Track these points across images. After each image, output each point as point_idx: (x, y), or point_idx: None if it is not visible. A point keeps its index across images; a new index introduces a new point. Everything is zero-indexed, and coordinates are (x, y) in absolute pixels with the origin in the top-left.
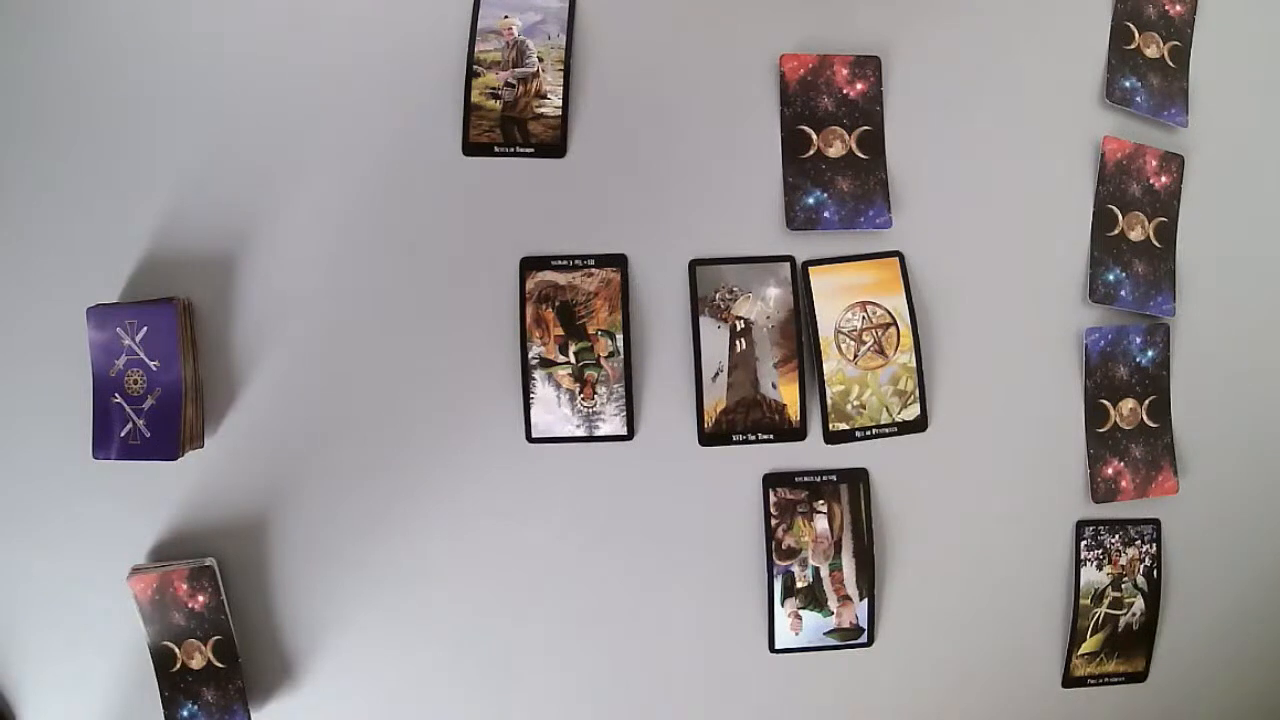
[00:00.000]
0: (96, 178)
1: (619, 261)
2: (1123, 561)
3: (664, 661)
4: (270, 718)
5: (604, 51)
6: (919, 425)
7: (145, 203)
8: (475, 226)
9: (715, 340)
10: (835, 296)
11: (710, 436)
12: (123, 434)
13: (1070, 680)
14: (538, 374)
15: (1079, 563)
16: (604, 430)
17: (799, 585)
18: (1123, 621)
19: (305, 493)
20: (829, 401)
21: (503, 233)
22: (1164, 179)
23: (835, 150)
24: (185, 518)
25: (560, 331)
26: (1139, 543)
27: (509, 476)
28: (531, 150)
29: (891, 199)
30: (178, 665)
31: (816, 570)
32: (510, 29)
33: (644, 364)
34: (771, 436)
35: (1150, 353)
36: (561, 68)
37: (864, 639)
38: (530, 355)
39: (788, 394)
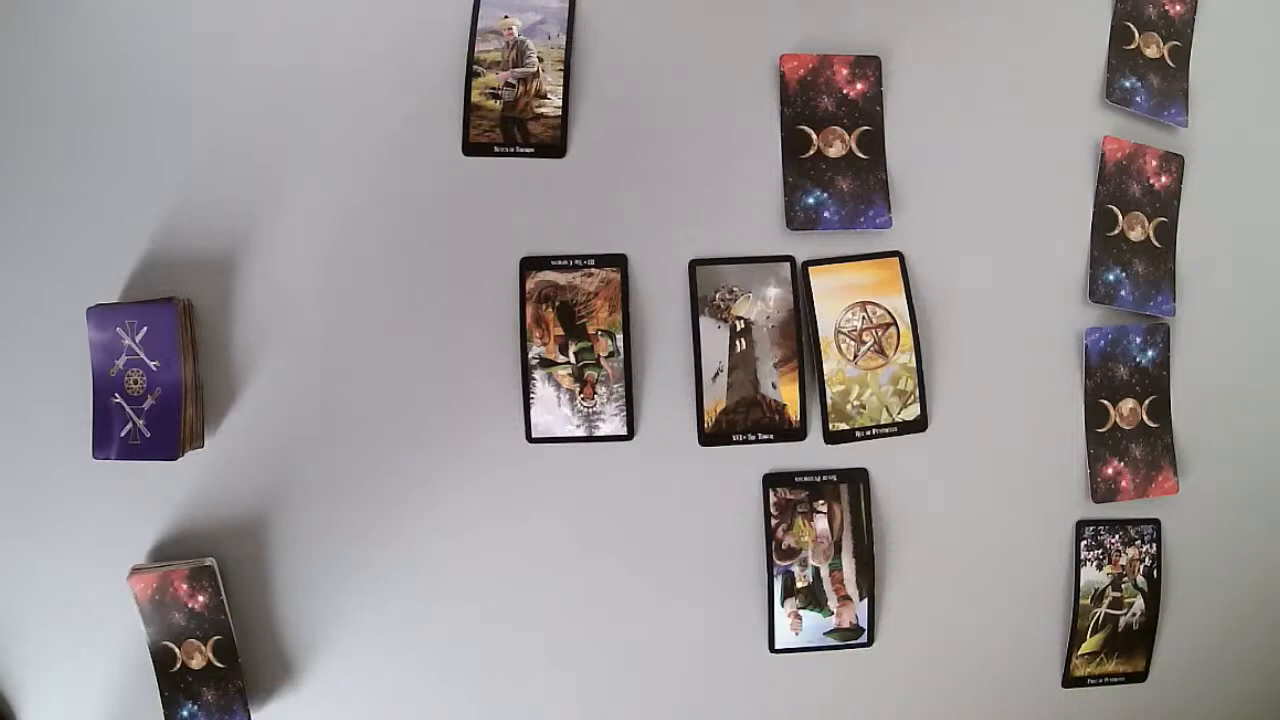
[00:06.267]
0: (96, 178)
1: (619, 261)
2: (1123, 561)
3: (664, 661)
4: (270, 718)
5: (604, 51)
6: (919, 425)
7: (145, 203)
8: (475, 226)
9: (715, 340)
10: (835, 296)
11: (710, 436)
12: (123, 434)
13: (1070, 680)
14: (538, 374)
15: (1079, 563)
16: (604, 430)
17: (799, 585)
18: (1123, 621)
19: (305, 493)
20: (829, 401)
21: (503, 233)
22: (1164, 179)
23: (835, 150)
24: (185, 518)
25: (560, 331)
26: (1139, 543)
27: (509, 476)
28: (531, 150)
29: (891, 199)
30: (178, 665)
31: (816, 570)
32: (510, 29)
33: (644, 364)
34: (771, 436)
35: (1150, 353)
36: (561, 68)
37: (864, 639)
38: (530, 355)
39: (788, 394)
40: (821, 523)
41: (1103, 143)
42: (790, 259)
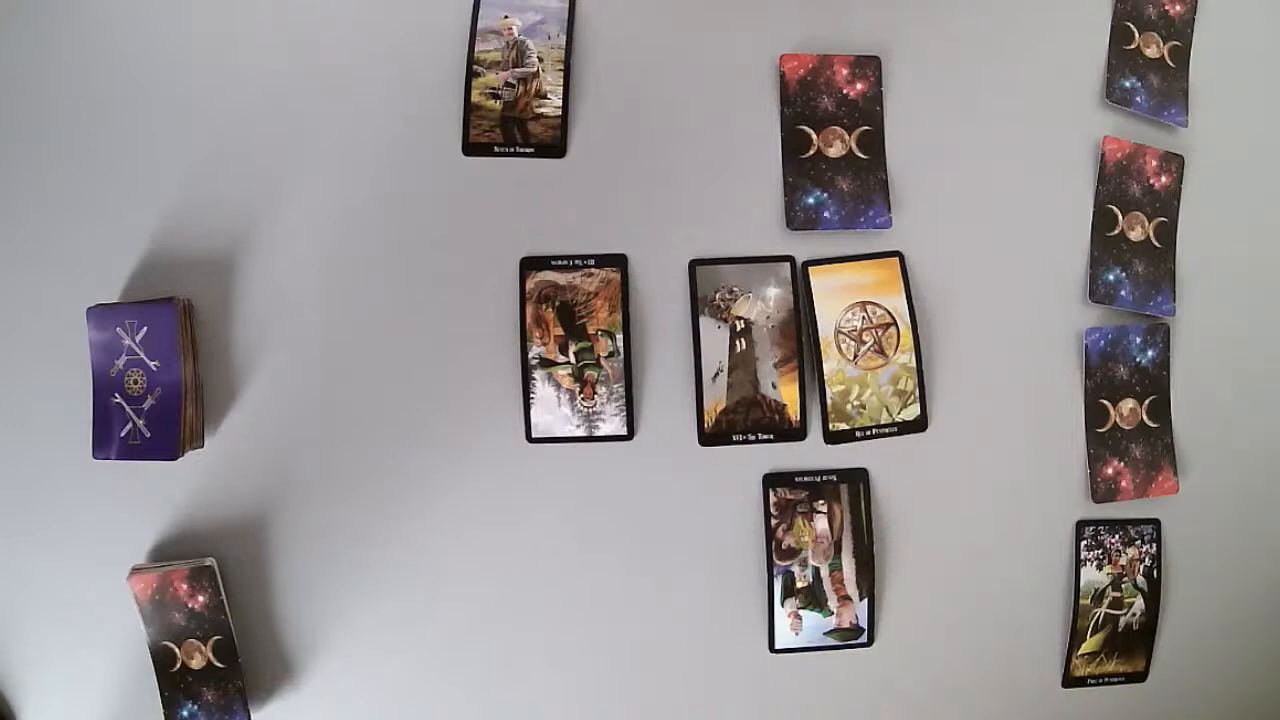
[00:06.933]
0: (96, 178)
1: (619, 261)
2: (1123, 561)
3: (664, 661)
4: (270, 718)
5: (604, 51)
6: (919, 425)
7: (145, 203)
8: (475, 226)
9: (715, 340)
10: (835, 296)
11: (710, 436)
12: (123, 434)
13: (1070, 680)
14: (538, 374)
15: (1079, 563)
16: (604, 430)
17: (799, 585)
18: (1123, 621)
19: (305, 493)
20: (829, 401)
21: (503, 233)
22: (1164, 179)
23: (835, 150)
24: (185, 518)
25: (560, 331)
26: (1139, 543)
27: (509, 476)
28: (531, 150)
29: (891, 199)
30: (178, 665)
31: (816, 570)
32: (510, 29)
33: (644, 364)
34: (771, 436)
35: (1150, 353)
36: (561, 68)
37: (864, 639)
38: (530, 355)
39: (788, 394)
40: (821, 523)
41: (1103, 143)
42: (790, 259)
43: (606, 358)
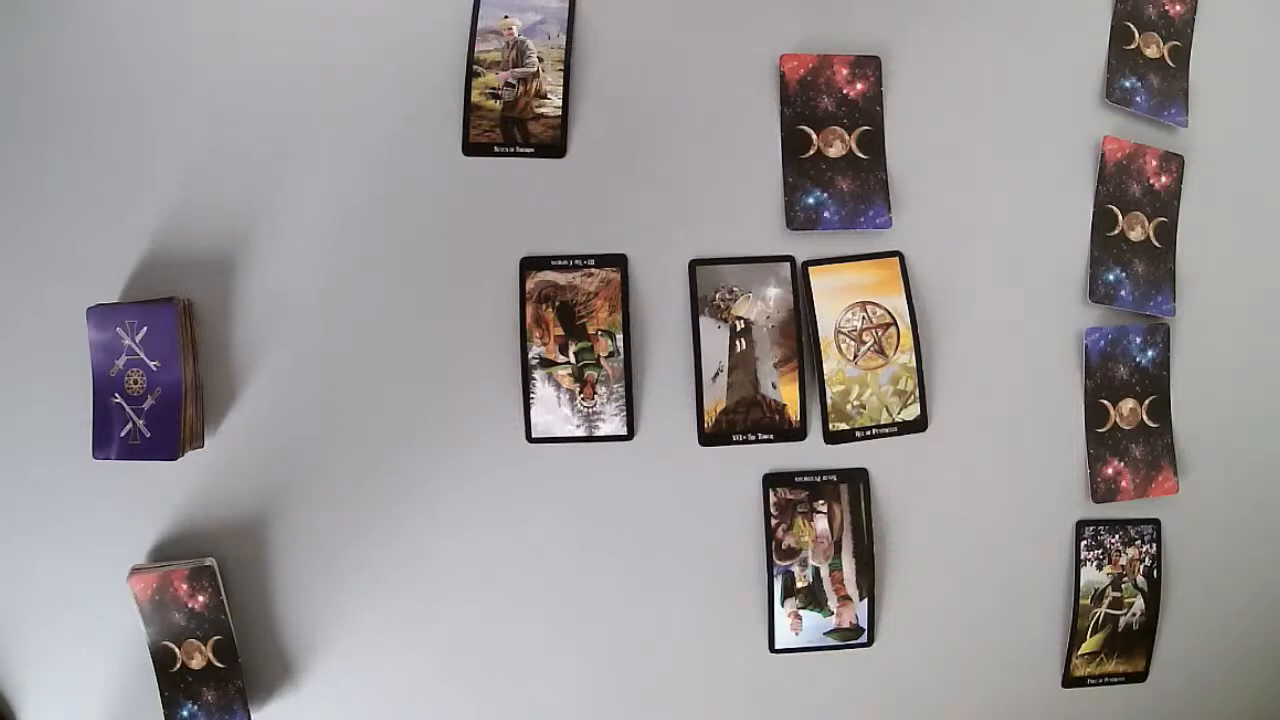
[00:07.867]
0: (96, 178)
1: (619, 261)
2: (1123, 561)
3: (664, 661)
4: (270, 718)
5: (604, 51)
6: (919, 425)
7: (145, 203)
8: (475, 226)
9: (715, 340)
10: (835, 296)
11: (710, 436)
12: (123, 434)
13: (1070, 680)
14: (538, 374)
15: (1079, 563)
16: (604, 430)
17: (799, 585)
18: (1123, 621)
19: (305, 493)
20: (829, 401)
21: (503, 233)
22: (1164, 179)
23: (835, 150)
24: (185, 518)
25: (560, 331)
26: (1139, 543)
27: (509, 476)
28: (531, 150)
29: (891, 199)
30: (178, 665)
31: (816, 570)
32: (510, 29)
33: (644, 364)
34: (771, 436)
35: (1150, 353)
36: (561, 68)
37: (864, 639)
38: (530, 355)
39: (788, 394)
40: (821, 523)
41: (1103, 143)
42: (790, 259)
43: (606, 358)
